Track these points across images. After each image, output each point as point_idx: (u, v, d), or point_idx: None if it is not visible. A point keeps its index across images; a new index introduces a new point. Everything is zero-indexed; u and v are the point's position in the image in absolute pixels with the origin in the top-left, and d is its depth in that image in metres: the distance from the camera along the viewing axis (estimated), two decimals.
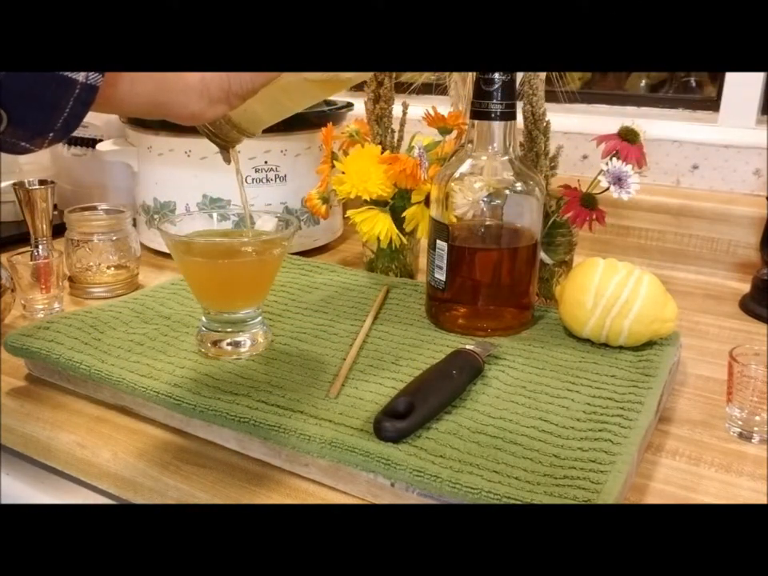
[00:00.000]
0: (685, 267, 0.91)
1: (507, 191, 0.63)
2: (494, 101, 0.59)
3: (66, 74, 0.34)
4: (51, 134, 0.35)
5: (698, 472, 0.50)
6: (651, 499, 0.47)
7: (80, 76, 0.34)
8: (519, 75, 0.69)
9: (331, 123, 0.79)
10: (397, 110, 0.78)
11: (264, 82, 0.42)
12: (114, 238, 0.80)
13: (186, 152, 0.86)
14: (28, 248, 0.77)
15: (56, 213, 0.85)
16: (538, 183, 0.63)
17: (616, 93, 1.11)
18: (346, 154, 0.77)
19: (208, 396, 0.52)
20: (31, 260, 0.75)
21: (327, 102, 0.96)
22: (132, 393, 0.54)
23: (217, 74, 0.40)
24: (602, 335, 0.60)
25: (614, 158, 0.66)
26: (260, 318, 0.61)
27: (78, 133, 1.05)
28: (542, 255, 0.69)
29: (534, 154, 0.72)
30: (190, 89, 0.40)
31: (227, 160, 0.53)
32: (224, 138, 0.51)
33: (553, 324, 0.66)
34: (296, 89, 0.49)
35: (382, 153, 0.74)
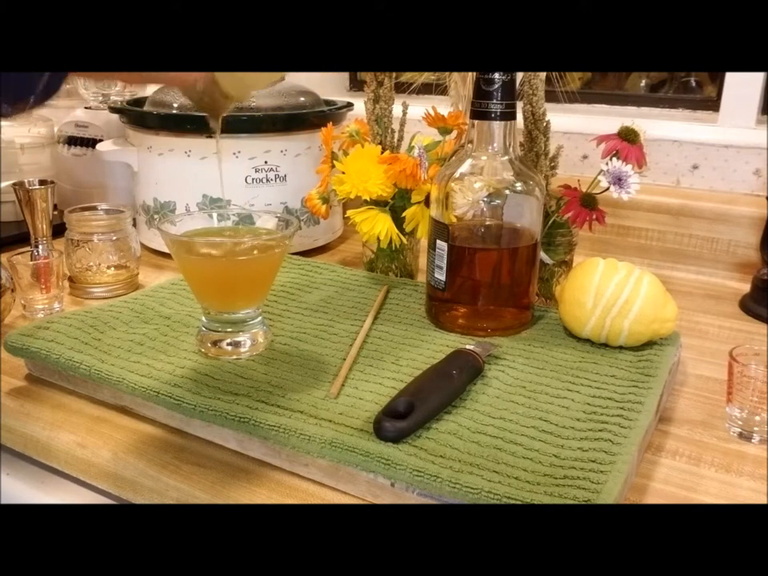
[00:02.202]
0: (685, 267, 0.91)
1: (507, 191, 0.62)
2: (494, 101, 0.59)
3: None
4: (33, 96, 0.35)
5: (698, 472, 0.50)
6: (651, 499, 0.47)
7: None
8: (519, 75, 0.69)
9: (331, 123, 0.79)
10: (397, 110, 0.78)
11: None
12: (114, 238, 0.80)
13: (186, 152, 0.86)
14: (28, 248, 0.77)
15: (56, 213, 0.85)
16: (538, 183, 0.63)
17: (616, 93, 1.11)
18: (346, 154, 0.77)
19: (208, 396, 0.52)
20: (31, 260, 0.75)
21: (327, 102, 0.96)
22: (132, 393, 0.54)
23: None
24: (602, 335, 0.60)
25: (614, 158, 0.66)
26: (260, 318, 0.61)
27: (78, 133, 1.05)
28: (542, 255, 0.69)
29: (533, 154, 0.72)
30: None
31: (215, 128, 0.54)
32: (213, 104, 0.51)
33: (553, 324, 0.66)
34: None
35: (382, 153, 0.74)
